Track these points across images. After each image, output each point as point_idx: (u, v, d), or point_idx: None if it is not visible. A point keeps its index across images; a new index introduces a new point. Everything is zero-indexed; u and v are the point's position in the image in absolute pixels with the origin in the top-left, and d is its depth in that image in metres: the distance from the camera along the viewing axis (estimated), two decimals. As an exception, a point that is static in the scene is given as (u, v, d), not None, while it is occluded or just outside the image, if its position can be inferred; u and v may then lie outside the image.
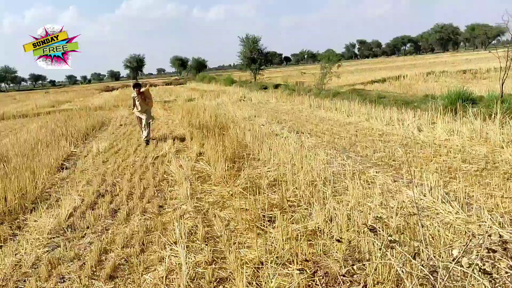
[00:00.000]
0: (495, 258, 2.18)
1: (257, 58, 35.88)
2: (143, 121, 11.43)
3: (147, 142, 11.34)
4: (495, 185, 5.72)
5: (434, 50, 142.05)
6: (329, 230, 4.63)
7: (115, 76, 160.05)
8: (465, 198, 5.22)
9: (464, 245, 2.18)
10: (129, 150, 10.85)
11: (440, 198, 5.24)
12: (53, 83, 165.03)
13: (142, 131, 11.66)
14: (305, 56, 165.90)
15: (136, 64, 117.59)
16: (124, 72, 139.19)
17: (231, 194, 6.42)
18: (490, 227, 4.27)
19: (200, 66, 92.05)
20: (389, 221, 4.58)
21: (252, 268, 4.12)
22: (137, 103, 11.45)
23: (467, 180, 6.07)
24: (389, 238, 2.59)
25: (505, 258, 2.19)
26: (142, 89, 11.62)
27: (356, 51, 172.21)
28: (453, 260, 2.16)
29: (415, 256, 2.46)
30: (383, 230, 3.37)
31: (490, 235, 2.31)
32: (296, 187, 6.26)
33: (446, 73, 26.12)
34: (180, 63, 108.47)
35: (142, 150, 10.71)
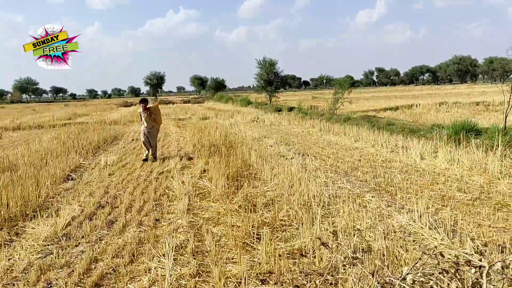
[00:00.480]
0: (444, 278, 2.26)
1: (273, 80, 36.28)
2: (149, 140, 11.45)
3: (155, 158, 11.52)
4: (485, 215, 5.75)
5: (452, 81, 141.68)
6: (313, 249, 4.71)
7: (135, 92, 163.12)
8: (452, 226, 5.27)
9: (413, 264, 2.27)
10: (136, 164, 11.05)
11: (428, 224, 5.29)
12: (73, 96, 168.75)
13: (146, 146, 11.57)
14: (324, 81, 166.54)
15: (156, 81, 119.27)
16: (144, 89, 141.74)
17: (227, 211, 6.54)
18: (472, 254, 4.32)
19: (219, 86, 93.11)
20: (373, 243, 4.65)
21: (234, 282, 4.22)
22: (143, 119, 11.50)
23: (459, 209, 6.12)
24: (352, 255, 2.70)
25: (455, 279, 2.27)
26: (149, 105, 11.69)
27: (374, 78, 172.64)
28: (400, 277, 2.26)
29: (373, 274, 2.56)
30: (364, 253, 3.45)
31: (443, 255, 2.39)
32: (290, 207, 6.35)
33: (459, 104, 26.07)
34: (200, 82, 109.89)
35: (149, 165, 10.91)
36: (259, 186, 7.98)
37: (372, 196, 6.99)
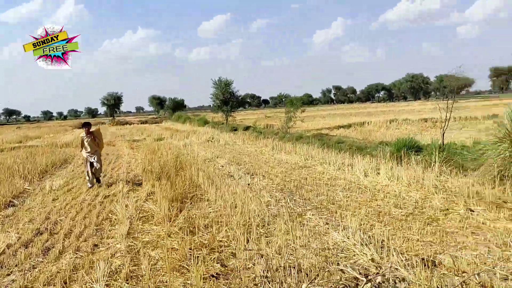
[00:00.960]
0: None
1: (229, 100, 36.60)
2: (94, 164, 10.93)
3: (98, 181, 11.18)
4: (416, 229, 6.00)
5: (406, 98, 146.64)
6: (247, 269, 4.78)
7: (92, 113, 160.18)
8: (383, 241, 5.47)
9: (310, 281, 2.38)
10: (82, 188, 10.82)
11: (360, 240, 5.46)
12: (27, 119, 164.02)
13: (89, 175, 10.98)
14: (282, 99, 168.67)
15: (114, 102, 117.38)
16: (102, 109, 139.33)
17: (168, 234, 6.52)
18: (397, 268, 4.50)
19: (177, 105, 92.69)
20: (303, 260, 4.76)
21: (165, 306, 4.23)
22: (85, 143, 10.96)
23: (392, 224, 6.35)
24: (263, 274, 2.79)
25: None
26: (92, 129, 11.23)
27: (332, 96, 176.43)
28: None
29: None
30: (276, 272, 3.52)
31: (344, 272, 2.51)
32: (230, 228, 6.40)
33: (409, 121, 27.04)
34: (158, 102, 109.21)
35: (95, 188, 10.71)
36: (204, 208, 8.00)
37: (312, 214, 7.14)
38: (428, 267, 4.57)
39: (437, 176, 8.93)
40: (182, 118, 56.69)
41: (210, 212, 7.65)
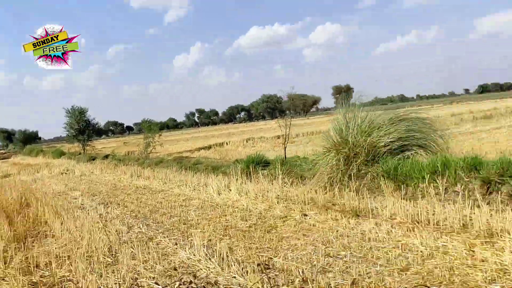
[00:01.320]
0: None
1: (85, 129, 34.89)
2: None
3: None
4: (257, 238, 6.44)
5: (265, 117, 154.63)
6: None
7: None
8: (227, 253, 5.77)
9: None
10: None
11: (204, 256, 5.70)
12: None
13: None
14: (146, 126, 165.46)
15: None
16: None
17: (2, 278, 6.05)
18: (234, 276, 4.80)
19: (29, 138, 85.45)
20: (145, 283, 4.82)
21: None
22: None
23: (237, 236, 6.72)
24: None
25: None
26: None
27: (196, 119, 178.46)
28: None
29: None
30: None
31: (158, 284, 2.67)
32: (73, 261, 6.18)
33: (263, 139, 28.62)
34: (6, 135, 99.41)
35: None
36: (48, 244, 7.57)
37: (163, 237, 7.21)
38: (262, 271, 4.95)
39: (281, 188, 9.65)
40: (35, 151, 52.47)
41: (55, 248, 7.27)
